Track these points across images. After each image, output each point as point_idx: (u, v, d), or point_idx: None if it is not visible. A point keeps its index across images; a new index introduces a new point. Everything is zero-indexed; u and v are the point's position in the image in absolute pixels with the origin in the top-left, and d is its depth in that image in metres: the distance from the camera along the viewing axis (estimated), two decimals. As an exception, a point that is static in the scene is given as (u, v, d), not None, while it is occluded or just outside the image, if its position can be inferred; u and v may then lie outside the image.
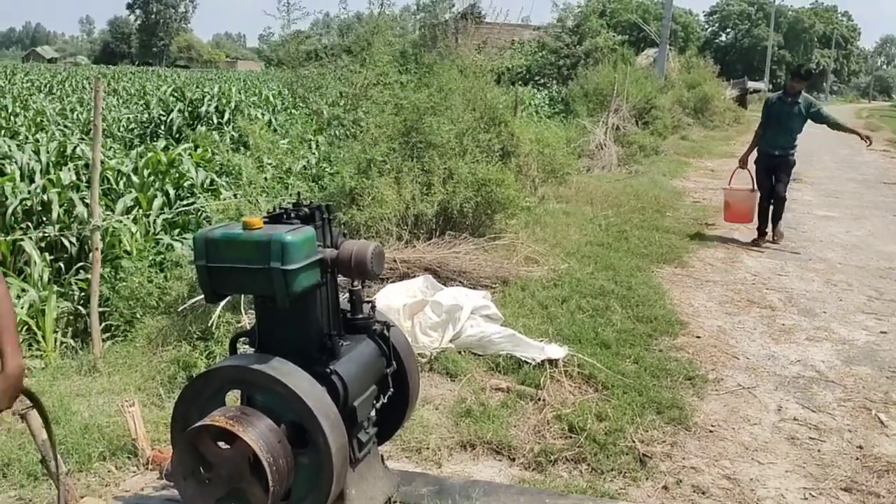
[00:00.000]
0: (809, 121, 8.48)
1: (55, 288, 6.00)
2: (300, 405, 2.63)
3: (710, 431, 3.96)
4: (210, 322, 4.57)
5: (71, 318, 6.05)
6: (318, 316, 2.87)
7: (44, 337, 5.46)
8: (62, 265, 6.73)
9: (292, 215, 2.88)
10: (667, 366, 4.67)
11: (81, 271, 6.40)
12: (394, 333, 3.18)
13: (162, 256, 6.08)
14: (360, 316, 3.10)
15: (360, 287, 3.14)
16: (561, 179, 10.48)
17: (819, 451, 3.82)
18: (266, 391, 2.71)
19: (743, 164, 8.86)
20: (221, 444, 2.65)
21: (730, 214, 8.95)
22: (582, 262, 6.87)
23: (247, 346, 3.09)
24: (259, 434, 2.57)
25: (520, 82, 19.13)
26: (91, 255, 4.88)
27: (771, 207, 8.63)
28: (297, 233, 2.69)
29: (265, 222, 2.80)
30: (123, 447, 3.66)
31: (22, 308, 5.53)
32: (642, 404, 4.09)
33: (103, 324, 5.65)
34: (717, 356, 5.01)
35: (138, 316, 5.29)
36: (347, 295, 3.15)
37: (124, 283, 5.43)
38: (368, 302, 3.18)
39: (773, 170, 8.62)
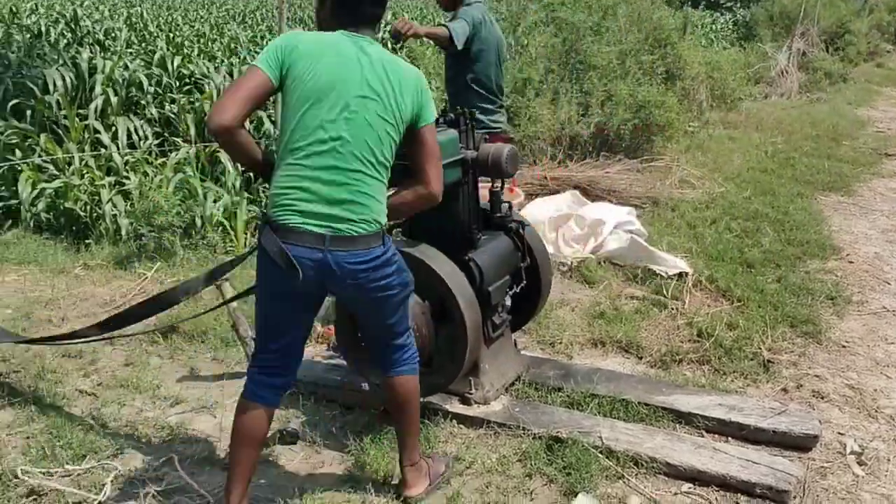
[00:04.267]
0: None
1: (245, 194, 6.77)
2: (442, 285, 3.03)
3: (843, 347, 4.01)
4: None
5: (258, 220, 6.83)
6: (461, 211, 3.24)
7: (235, 236, 6.23)
8: (251, 175, 7.53)
9: (440, 121, 3.23)
10: (810, 286, 4.69)
11: (268, 181, 7.15)
12: (529, 232, 3.51)
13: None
14: (499, 214, 3.45)
15: (500, 188, 3.47)
16: (731, 105, 10.20)
17: (959, 374, 3.79)
18: (415, 272, 3.14)
19: None
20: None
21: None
22: (740, 186, 6.82)
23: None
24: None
25: (692, 4, 18.26)
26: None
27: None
28: (443, 134, 3.05)
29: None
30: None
31: (218, 210, 6.33)
32: (776, 318, 4.19)
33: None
34: (867, 280, 4.94)
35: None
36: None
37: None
38: (507, 203, 3.52)
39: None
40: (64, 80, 7.45)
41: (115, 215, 6.16)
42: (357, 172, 2.32)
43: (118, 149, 6.88)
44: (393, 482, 2.87)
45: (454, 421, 3.24)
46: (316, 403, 3.52)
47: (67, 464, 3.08)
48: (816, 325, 4.17)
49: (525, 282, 3.47)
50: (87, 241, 6.04)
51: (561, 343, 4.03)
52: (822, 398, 3.49)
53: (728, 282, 4.57)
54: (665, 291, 4.49)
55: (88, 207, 6.33)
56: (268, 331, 2.52)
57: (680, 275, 4.64)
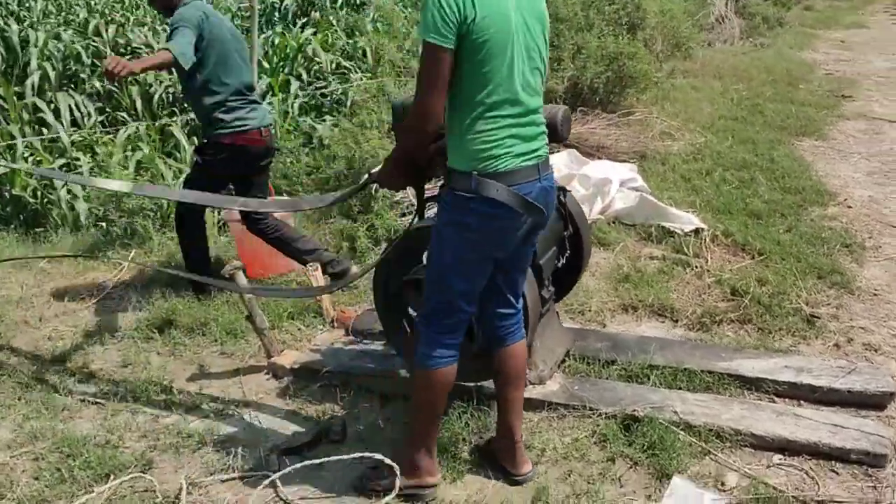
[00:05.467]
0: None
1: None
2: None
3: (875, 295, 3.96)
4: (370, 198, 4.78)
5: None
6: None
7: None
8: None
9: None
10: (822, 234, 4.63)
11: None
12: (569, 199, 3.28)
13: (306, 137, 6.31)
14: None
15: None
16: (685, 54, 10.13)
17: None
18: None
19: None
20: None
21: None
22: (718, 135, 6.74)
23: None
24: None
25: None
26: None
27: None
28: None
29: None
30: (308, 308, 3.97)
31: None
32: (802, 270, 4.10)
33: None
34: (872, 225, 4.92)
35: (293, 194, 5.57)
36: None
37: (281, 163, 5.69)
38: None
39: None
40: (-6, 55, 6.80)
41: (70, 201, 5.68)
42: (540, 107, 2.40)
43: (63, 127, 6.31)
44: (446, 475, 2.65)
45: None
46: (351, 395, 3.26)
47: (93, 484, 2.76)
48: (842, 274, 4.10)
49: (569, 251, 3.26)
50: (37, 230, 5.56)
51: (590, 311, 3.85)
52: (876, 351, 3.42)
53: (745, 235, 4.46)
54: (685, 249, 4.35)
55: (39, 193, 5.83)
56: (466, 295, 2.44)
57: (696, 231, 4.51)
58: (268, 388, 3.40)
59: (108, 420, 3.17)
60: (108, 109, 7.25)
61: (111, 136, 6.37)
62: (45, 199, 5.79)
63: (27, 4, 10.78)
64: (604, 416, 2.88)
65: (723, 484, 2.57)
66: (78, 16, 8.65)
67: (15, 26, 7.35)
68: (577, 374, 3.19)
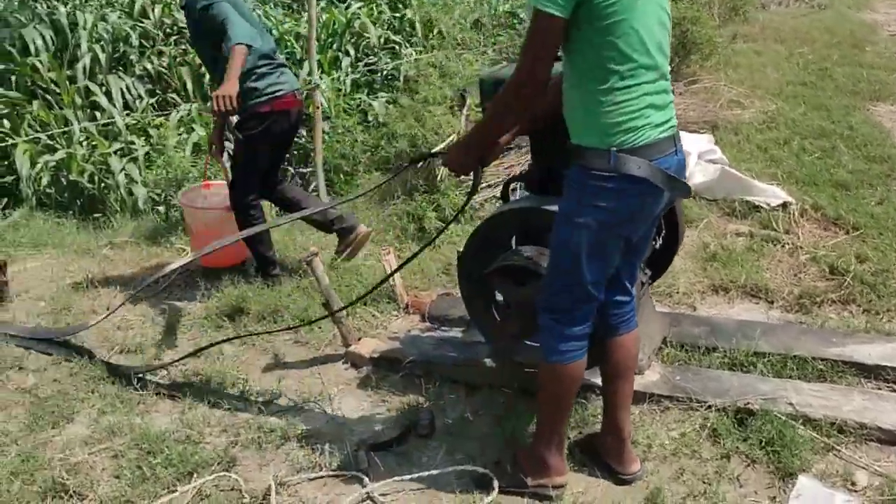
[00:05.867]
0: None
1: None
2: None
3: None
4: (438, 175, 4.61)
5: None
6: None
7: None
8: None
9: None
10: (917, 207, 4.36)
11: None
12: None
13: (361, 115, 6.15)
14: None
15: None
16: (743, 17, 9.75)
17: None
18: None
19: None
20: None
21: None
22: (789, 102, 6.44)
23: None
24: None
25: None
26: (313, 113, 4.97)
27: None
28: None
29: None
30: (382, 294, 3.82)
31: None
32: (903, 245, 3.86)
33: (314, 182, 5.86)
34: (972, 195, 4.62)
35: (353, 174, 5.44)
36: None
37: (338, 142, 5.55)
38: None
39: None
40: (44, 38, 6.71)
41: (128, 185, 5.61)
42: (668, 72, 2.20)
43: (117, 110, 6.23)
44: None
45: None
46: (435, 385, 3.11)
47: (176, 483, 2.66)
48: (950, 249, 3.85)
49: (665, 230, 3.06)
50: (96, 216, 5.50)
51: (678, 292, 3.65)
52: None
53: (836, 209, 4.21)
54: (774, 224, 4.12)
55: (96, 178, 5.76)
56: (598, 283, 2.27)
57: (783, 205, 4.27)
58: (347, 379, 3.27)
59: (186, 414, 3.07)
60: (158, 91, 7.17)
61: (164, 118, 6.28)
62: (103, 184, 5.72)
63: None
64: (713, 409, 2.69)
65: (853, 483, 2.37)
66: (120, -1, 8.57)
67: (63, 8, 7.27)
68: (676, 363, 3.00)
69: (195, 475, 2.69)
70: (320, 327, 3.65)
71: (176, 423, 3.01)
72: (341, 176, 5.57)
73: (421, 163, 2.73)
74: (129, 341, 3.66)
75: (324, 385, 3.21)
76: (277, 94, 3.85)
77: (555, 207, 2.63)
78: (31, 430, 3.01)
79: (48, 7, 7.45)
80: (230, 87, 3.45)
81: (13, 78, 6.33)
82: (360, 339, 3.42)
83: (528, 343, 2.74)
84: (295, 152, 6.36)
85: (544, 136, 2.76)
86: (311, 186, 5.85)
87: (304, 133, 6.41)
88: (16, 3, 7.42)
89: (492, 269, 2.67)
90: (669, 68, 2.18)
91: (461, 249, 2.90)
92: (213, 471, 2.71)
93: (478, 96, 5.22)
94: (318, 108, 4.90)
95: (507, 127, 2.28)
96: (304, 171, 6.25)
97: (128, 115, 6.31)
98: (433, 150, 2.66)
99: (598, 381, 2.82)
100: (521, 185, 3.13)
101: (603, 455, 2.52)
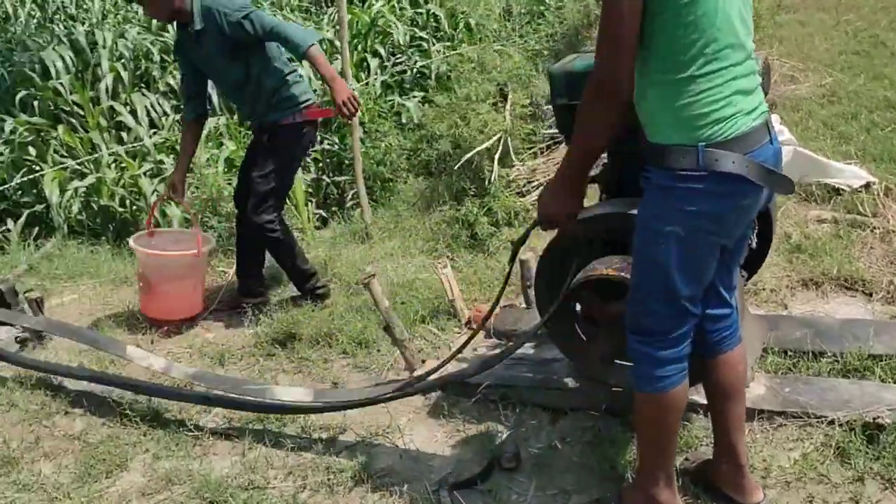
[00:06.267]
0: None
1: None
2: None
3: None
4: (489, 177, 4.34)
5: (311, 188, 6.05)
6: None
7: (297, 209, 5.47)
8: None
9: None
10: None
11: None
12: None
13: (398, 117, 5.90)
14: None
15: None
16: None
17: None
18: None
19: None
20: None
21: None
22: (846, 73, 6.07)
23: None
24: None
25: None
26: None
27: None
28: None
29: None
30: (440, 308, 3.58)
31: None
32: None
33: (351, 191, 5.62)
34: None
35: (393, 180, 5.19)
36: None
37: (373, 148, 5.30)
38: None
39: None
40: (64, 60, 6.54)
41: (162, 206, 5.41)
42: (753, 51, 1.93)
43: (144, 130, 6.03)
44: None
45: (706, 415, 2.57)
46: (513, 410, 2.85)
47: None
48: None
49: (757, 227, 2.77)
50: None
51: (765, 289, 3.36)
52: None
53: (924, 187, 3.89)
54: (860, 208, 3.80)
55: (127, 202, 5.57)
56: (694, 297, 2.00)
57: (865, 185, 3.94)
58: (415, 407, 3.02)
59: (246, 456, 2.84)
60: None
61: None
62: (135, 207, 5.53)
63: (84, 6, 10.62)
64: (834, 425, 2.40)
65: None
66: (138, 13, 8.39)
67: (81, 28, 7.10)
68: (781, 372, 2.71)
69: (262, 526, 2.46)
70: (379, 349, 3.42)
71: (237, 466, 2.78)
72: (379, 183, 5.33)
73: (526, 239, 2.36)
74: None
75: (391, 415, 2.97)
76: (308, 101, 3.69)
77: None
78: (83, 481, 2.79)
79: (66, 28, 7.29)
80: (343, 87, 3.41)
81: (36, 103, 6.18)
82: (423, 362, 3.17)
83: (622, 363, 2.47)
84: (328, 160, 6.14)
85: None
86: (349, 196, 5.63)
87: (336, 140, 6.19)
88: (34, 27, 7.28)
89: (576, 283, 2.40)
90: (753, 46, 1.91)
91: (538, 266, 2.63)
92: (283, 519, 2.48)
93: (521, 92, 4.97)
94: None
95: (602, 142, 1.96)
96: (339, 179, 6.02)
97: (154, 133, 6.12)
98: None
99: (702, 399, 2.55)
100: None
101: (718, 484, 2.25)
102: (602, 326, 2.47)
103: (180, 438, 2.98)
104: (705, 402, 2.48)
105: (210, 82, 3.90)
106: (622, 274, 2.31)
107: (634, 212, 2.36)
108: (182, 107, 4.16)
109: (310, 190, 5.87)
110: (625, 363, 2.45)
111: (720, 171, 1.81)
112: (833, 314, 3.13)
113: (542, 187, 4.52)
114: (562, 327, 2.62)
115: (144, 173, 5.60)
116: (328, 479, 2.64)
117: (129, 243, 3.97)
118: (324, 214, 5.68)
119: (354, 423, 2.95)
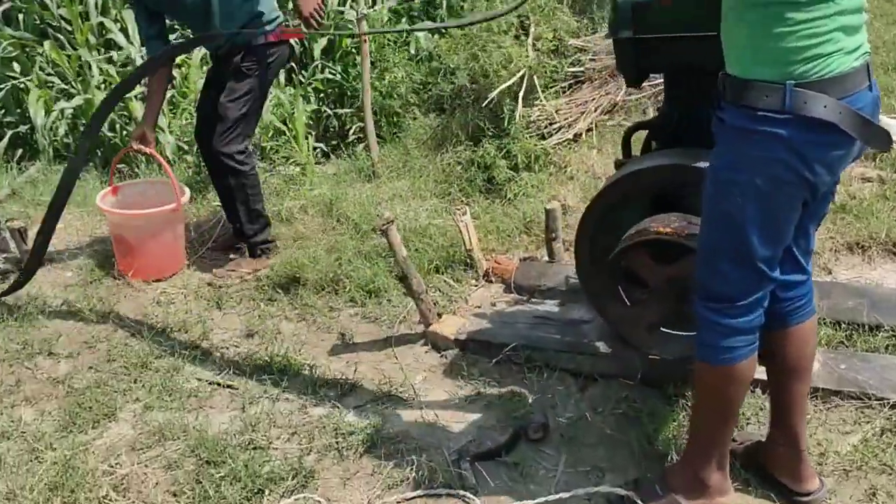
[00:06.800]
0: None
1: (288, 89, 5.62)
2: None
3: None
4: (508, 117, 4.04)
5: (311, 120, 5.72)
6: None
7: (296, 140, 5.14)
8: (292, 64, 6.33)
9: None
10: None
11: (316, 71, 5.97)
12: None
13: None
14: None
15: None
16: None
17: None
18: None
19: None
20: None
21: None
22: (880, 21, 5.76)
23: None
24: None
25: None
26: (360, 49, 4.37)
27: None
28: None
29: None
30: (455, 258, 3.32)
31: (273, 113, 5.23)
32: None
33: (355, 125, 5.30)
34: None
35: (402, 115, 4.87)
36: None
37: (380, 80, 4.96)
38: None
39: None
40: (51, -30, 6.08)
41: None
42: None
43: (136, 50, 5.64)
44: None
45: (759, 391, 2.36)
46: (539, 374, 2.63)
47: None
48: None
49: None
50: (120, 167, 4.98)
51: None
52: None
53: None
54: (897, 166, 3.56)
55: (117, 126, 5.24)
56: (771, 259, 1.78)
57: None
58: (430, 365, 2.79)
59: (247, 411, 2.62)
60: (177, 27, 6.56)
61: (186, 55, 5.69)
62: (125, 132, 5.20)
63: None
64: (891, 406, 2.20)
65: None
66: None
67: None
68: (835, 346, 2.50)
69: (266, 493, 2.25)
70: (389, 300, 3.18)
71: (236, 422, 2.56)
72: (385, 118, 5.00)
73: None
74: (171, 318, 3.20)
75: (404, 373, 2.74)
76: (279, 20, 3.41)
77: (704, 164, 2.11)
78: (67, 430, 2.58)
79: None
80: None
81: (21, 16, 5.75)
82: (440, 316, 2.93)
83: (670, 332, 2.24)
84: (329, 90, 5.78)
85: (682, 68, 2.21)
86: (352, 130, 5.31)
87: (338, 70, 5.83)
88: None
89: (628, 244, 2.14)
90: None
91: (582, 221, 2.38)
92: (288, 487, 2.26)
93: (544, 25, 4.61)
94: (365, 41, 4.31)
95: None
96: (341, 112, 5.68)
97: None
98: None
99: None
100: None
101: (771, 469, 2.05)
102: (651, 291, 2.23)
103: (174, 387, 2.76)
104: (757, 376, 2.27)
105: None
106: (680, 235, 2.06)
107: (694, 164, 2.12)
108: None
109: (310, 122, 5.54)
110: (672, 332, 2.23)
111: (808, 115, 1.58)
112: (880, 281, 2.91)
113: (562, 130, 4.31)
114: (603, 287, 2.38)
115: (135, 96, 5.23)
116: (336, 443, 2.43)
117: (96, 204, 3.62)
118: (324, 148, 5.36)
119: (365, 378, 2.73)
